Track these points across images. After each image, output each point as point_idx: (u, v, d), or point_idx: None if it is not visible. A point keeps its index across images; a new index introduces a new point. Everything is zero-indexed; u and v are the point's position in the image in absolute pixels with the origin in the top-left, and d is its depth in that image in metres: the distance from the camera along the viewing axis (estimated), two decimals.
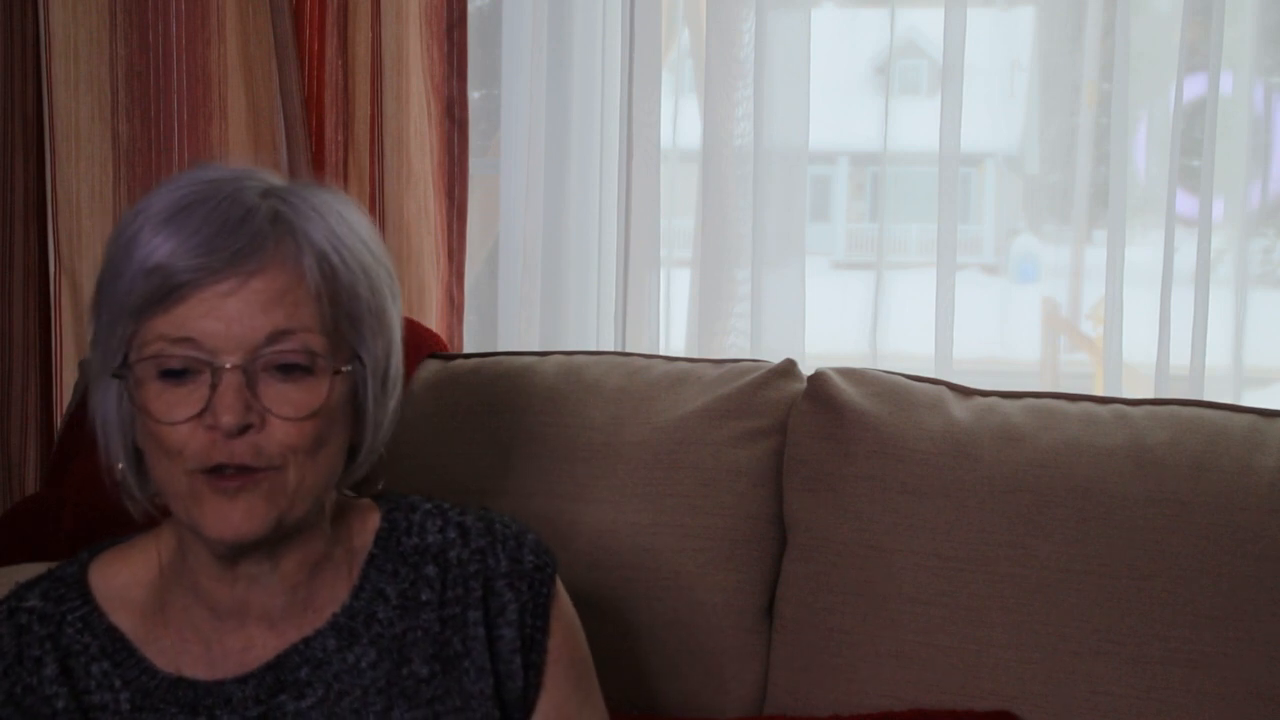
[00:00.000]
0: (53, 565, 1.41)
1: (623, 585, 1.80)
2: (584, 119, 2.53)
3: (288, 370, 1.26)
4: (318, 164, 2.45)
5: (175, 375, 1.25)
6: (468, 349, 2.50)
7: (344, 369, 1.29)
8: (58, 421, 2.53)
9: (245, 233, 1.24)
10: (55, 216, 2.52)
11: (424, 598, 1.37)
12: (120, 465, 1.32)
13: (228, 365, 1.24)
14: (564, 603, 1.42)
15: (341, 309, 1.28)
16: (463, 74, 2.46)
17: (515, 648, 1.37)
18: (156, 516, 1.34)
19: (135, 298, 1.25)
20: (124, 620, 1.35)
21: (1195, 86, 2.25)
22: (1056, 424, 1.78)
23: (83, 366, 2.20)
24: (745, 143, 2.41)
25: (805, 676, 1.78)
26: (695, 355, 2.29)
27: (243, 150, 2.48)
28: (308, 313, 1.26)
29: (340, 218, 1.30)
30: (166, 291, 1.24)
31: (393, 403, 1.36)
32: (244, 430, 1.24)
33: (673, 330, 2.54)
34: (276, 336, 1.25)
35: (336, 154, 2.47)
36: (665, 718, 1.76)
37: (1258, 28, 2.28)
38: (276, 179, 1.32)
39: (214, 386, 1.24)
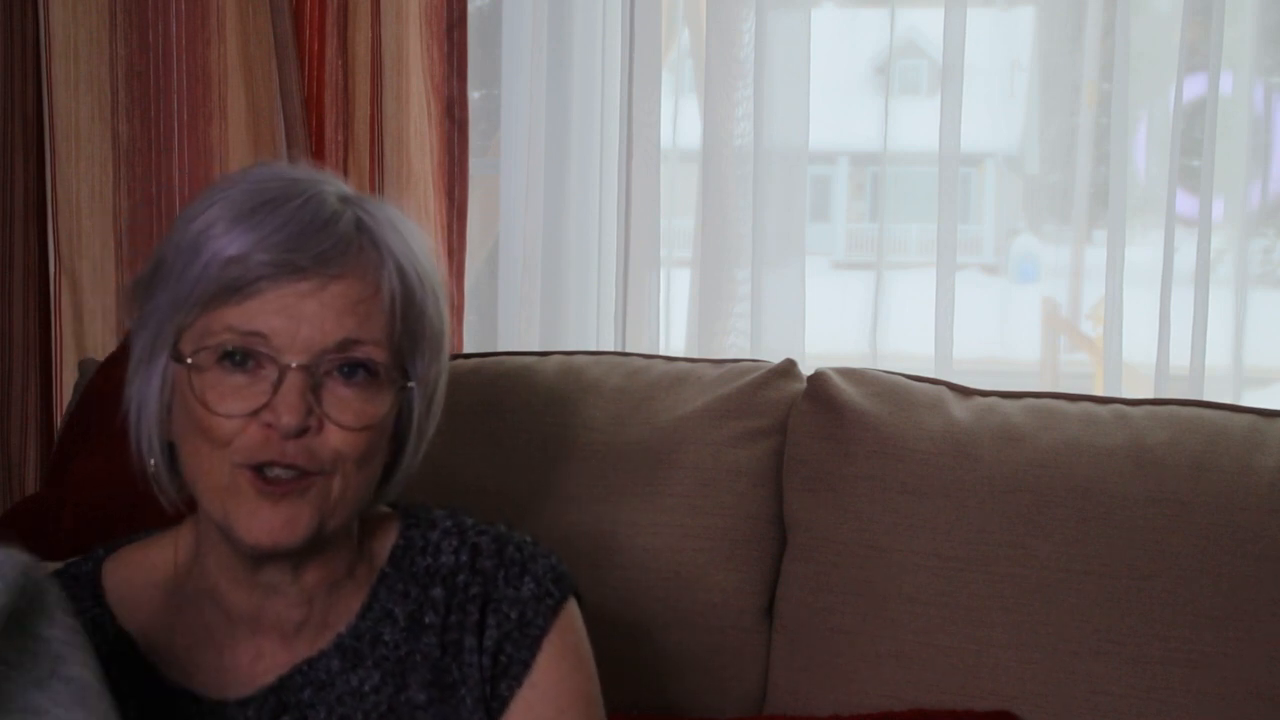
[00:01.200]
0: (57, 564, 1.38)
1: (623, 585, 1.80)
2: (584, 119, 2.53)
3: (351, 375, 1.24)
4: (318, 164, 2.44)
5: (236, 364, 1.22)
6: (468, 349, 2.50)
7: (408, 385, 1.27)
8: (58, 421, 2.53)
9: (329, 235, 1.22)
10: (55, 216, 2.52)
11: (428, 620, 1.33)
12: (153, 461, 1.28)
13: (294, 364, 1.21)
14: (568, 633, 1.35)
15: (409, 326, 1.27)
16: (463, 74, 2.46)
17: (488, 676, 1.32)
18: (185, 510, 1.31)
19: (208, 285, 1.22)
20: (134, 624, 1.32)
21: (1195, 86, 2.25)
22: (1056, 424, 1.78)
23: (83, 366, 2.20)
24: (745, 143, 2.41)
25: (805, 676, 1.78)
26: (695, 355, 2.29)
27: (243, 150, 2.48)
28: (378, 325, 1.25)
29: (414, 234, 1.29)
30: (244, 284, 1.21)
31: (433, 429, 1.33)
32: (302, 433, 1.22)
33: (673, 330, 2.54)
34: (346, 345, 1.23)
35: (336, 154, 2.47)
36: (665, 717, 1.76)
37: (1258, 28, 2.28)
38: (347, 187, 1.30)
39: (277, 384, 1.21)
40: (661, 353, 2.35)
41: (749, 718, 1.78)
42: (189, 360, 1.23)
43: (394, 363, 1.26)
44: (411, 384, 1.28)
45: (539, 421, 1.89)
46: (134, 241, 2.52)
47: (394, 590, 1.34)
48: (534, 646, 1.33)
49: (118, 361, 2.06)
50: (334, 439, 1.23)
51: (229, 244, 1.22)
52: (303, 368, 1.22)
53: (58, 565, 1.39)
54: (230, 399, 1.22)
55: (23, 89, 2.51)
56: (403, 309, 1.26)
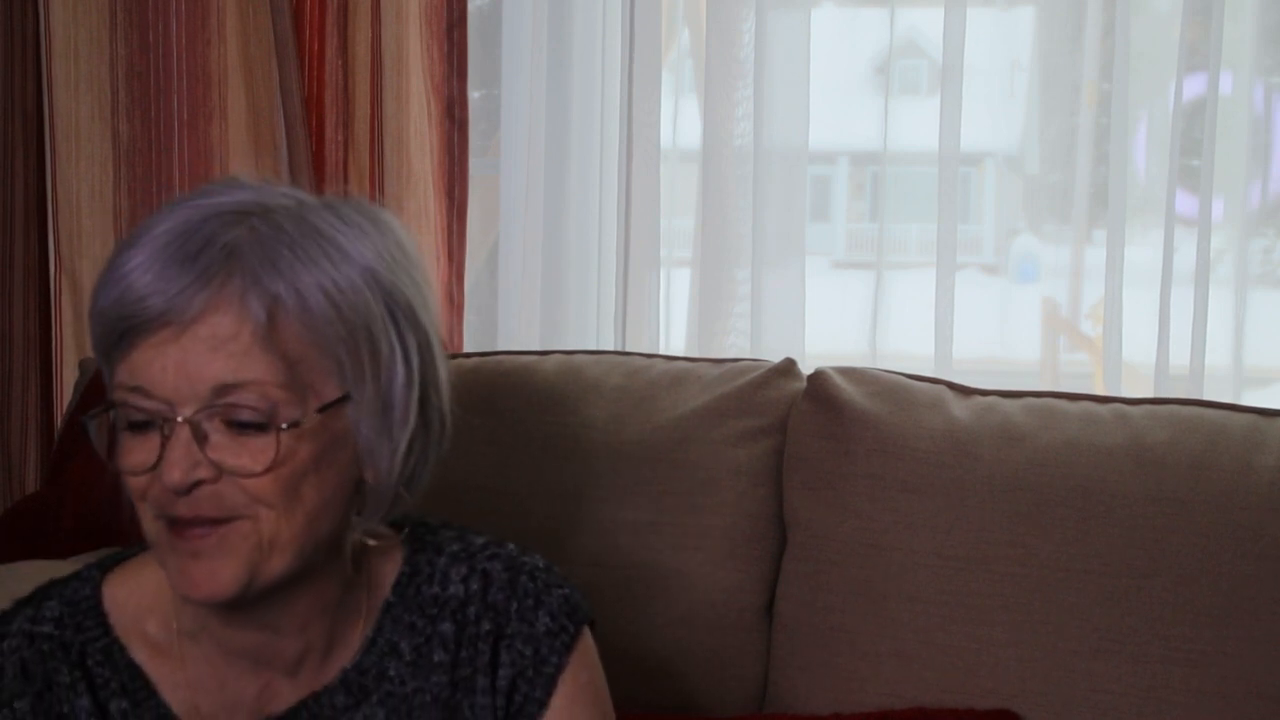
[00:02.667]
0: (55, 575, 1.33)
1: (623, 585, 1.80)
2: (584, 119, 2.53)
3: (243, 429, 1.16)
4: (318, 164, 2.45)
5: (139, 426, 1.17)
6: (468, 349, 2.50)
7: (301, 422, 1.16)
8: (58, 421, 2.53)
9: (191, 270, 1.15)
10: (55, 216, 2.52)
11: (436, 658, 1.29)
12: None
13: (179, 419, 1.15)
14: (584, 668, 1.32)
15: (302, 351, 1.17)
16: (463, 74, 2.46)
17: (500, 717, 1.29)
18: None
19: (98, 340, 1.20)
20: (141, 654, 1.27)
21: (1195, 86, 2.25)
22: (1056, 423, 1.78)
23: (83, 366, 2.20)
24: (745, 143, 2.41)
25: (805, 676, 1.78)
26: (695, 355, 2.29)
27: (243, 150, 2.48)
28: (253, 364, 1.15)
29: (332, 245, 1.18)
30: (118, 336, 1.17)
31: (402, 442, 1.23)
32: (195, 486, 1.16)
33: (673, 330, 2.54)
34: (223, 390, 1.15)
35: (336, 154, 2.47)
36: (665, 717, 1.76)
37: (1258, 28, 2.28)
38: (287, 200, 1.21)
39: (164, 440, 1.16)
40: (661, 352, 2.35)
41: (749, 717, 1.78)
42: (102, 416, 1.20)
43: (287, 398, 1.16)
44: (303, 421, 1.17)
45: (539, 421, 1.89)
46: None
47: (399, 622, 1.30)
48: (549, 685, 1.30)
49: None
50: (241, 484, 1.16)
51: (106, 293, 1.18)
52: (187, 421, 1.15)
53: (41, 569, 1.37)
54: (133, 454, 1.18)
55: (23, 89, 2.51)
56: (283, 338, 1.16)
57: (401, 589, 1.31)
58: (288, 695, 1.28)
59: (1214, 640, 1.66)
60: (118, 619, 1.28)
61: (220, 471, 1.16)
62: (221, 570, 1.17)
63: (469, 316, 2.54)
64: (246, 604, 1.21)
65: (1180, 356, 2.25)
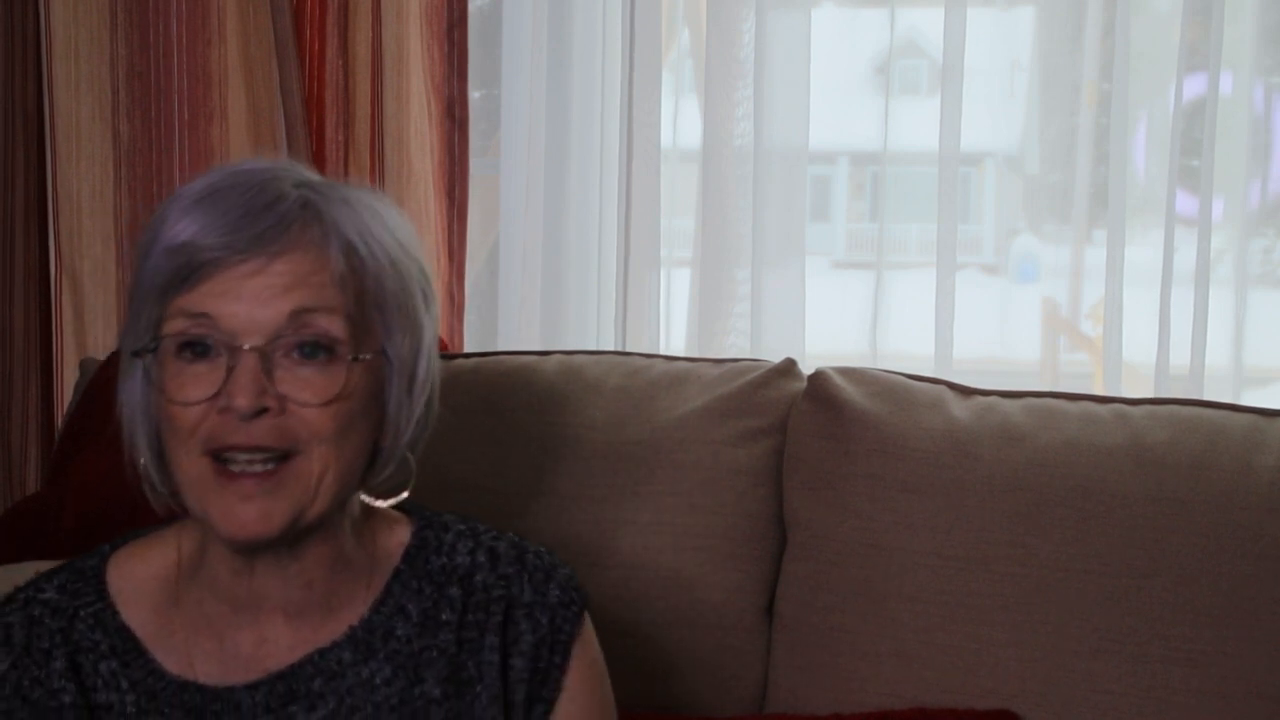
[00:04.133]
0: (57, 562, 1.39)
1: (623, 585, 1.80)
2: (584, 119, 2.53)
3: (308, 354, 1.23)
4: (318, 164, 2.45)
5: (194, 353, 1.23)
6: (468, 348, 2.50)
7: (364, 356, 1.25)
8: (58, 421, 2.53)
9: (271, 216, 1.23)
10: (55, 216, 2.52)
11: (444, 617, 1.34)
12: (143, 460, 1.30)
13: (246, 346, 1.21)
14: (589, 643, 1.38)
15: (367, 299, 1.26)
16: (463, 74, 2.46)
17: (524, 678, 1.34)
18: (177, 510, 1.31)
19: (160, 276, 1.23)
20: (135, 618, 1.32)
21: (1195, 86, 2.25)
22: (1056, 423, 1.78)
23: (83, 366, 2.20)
24: (745, 143, 2.41)
25: (805, 676, 1.78)
26: (695, 355, 2.29)
27: (243, 150, 2.48)
28: (331, 296, 1.24)
29: (373, 212, 1.29)
30: (190, 270, 1.22)
31: (419, 407, 1.31)
32: (260, 414, 1.22)
33: (673, 330, 2.54)
34: (298, 315, 1.23)
35: (336, 154, 2.47)
36: (665, 717, 1.76)
37: (1258, 28, 2.28)
38: (314, 175, 1.31)
39: (230, 368, 1.22)
40: (661, 352, 2.35)
41: (749, 717, 1.78)
42: (151, 353, 1.25)
43: (356, 336, 1.25)
44: (368, 355, 1.26)
45: (539, 421, 1.89)
46: (134, 241, 2.52)
47: (408, 587, 1.35)
48: (565, 653, 1.35)
49: (118, 361, 2.07)
50: (301, 417, 1.23)
51: (178, 233, 1.23)
52: (255, 349, 1.22)
53: (40, 569, 1.39)
54: (189, 387, 1.23)
55: (23, 89, 2.51)
56: (355, 282, 1.25)
57: (411, 558, 1.36)
58: (286, 648, 1.32)
59: (1214, 640, 1.66)
60: (116, 587, 1.33)
61: (283, 403, 1.22)
62: (273, 510, 1.24)
63: (469, 316, 2.54)
64: (274, 546, 1.27)
65: (1180, 356, 2.25)
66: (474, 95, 2.54)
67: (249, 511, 1.23)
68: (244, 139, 2.48)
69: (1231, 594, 1.67)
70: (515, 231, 2.55)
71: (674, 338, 2.54)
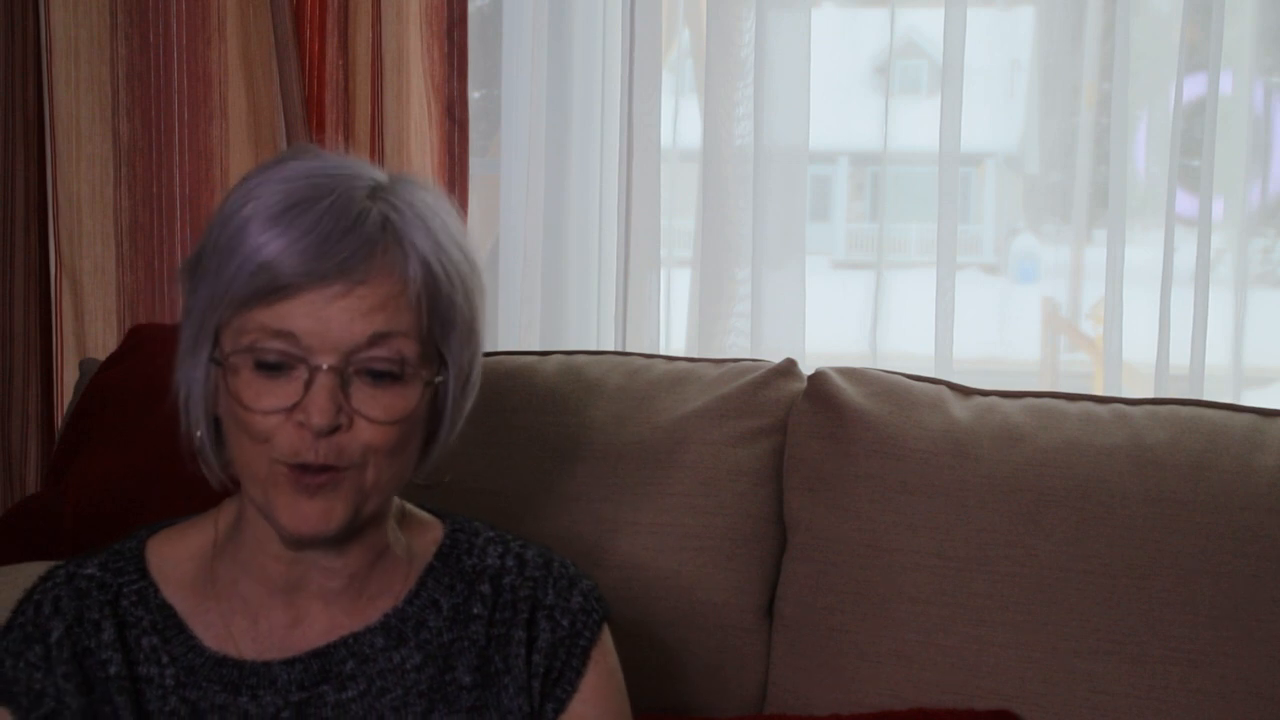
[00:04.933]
0: (55, 563, 1.41)
1: (623, 585, 1.80)
2: (584, 119, 2.53)
3: (379, 376, 1.28)
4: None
5: (270, 368, 1.27)
6: None
7: (435, 380, 1.32)
8: (59, 421, 2.53)
9: (354, 240, 1.26)
10: (56, 216, 2.53)
11: (475, 611, 1.38)
12: (199, 433, 1.33)
13: (324, 366, 1.26)
14: (608, 653, 1.42)
15: (438, 318, 1.31)
16: (463, 74, 2.46)
17: (539, 674, 1.38)
18: (229, 485, 1.36)
19: (240, 289, 1.27)
20: (175, 595, 1.37)
21: (1195, 86, 2.25)
22: (1056, 423, 1.78)
23: (83, 366, 2.20)
24: (745, 142, 2.41)
25: (805, 676, 1.78)
26: (695, 355, 2.29)
27: (243, 150, 2.48)
28: (407, 319, 1.28)
29: (443, 224, 1.32)
30: (272, 290, 1.26)
31: (469, 404, 1.39)
32: (333, 431, 1.26)
33: (673, 330, 2.54)
34: (376, 340, 1.27)
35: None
36: (665, 717, 1.76)
37: (1258, 28, 2.29)
38: (379, 173, 1.33)
39: (308, 385, 1.26)
40: (662, 352, 2.35)
41: (749, 717, 1.78)
42: (227, 360, 1.28)
43: (423, 355, 1.30)
44: (440, 378, 1.32)
45: (539, 421, 1.89)
46: (134, 241, 2.52)
47: (440, 583, 1.40)
48: (584, 657, 1.40)
49: (119, 361, 2.07)
50: (364, 434, 1.28)
51: (260, 248, 1.26)
52: (333, 369, 1.26)
53: (41, 569, 1.41)
54: (266, 397, 1.27)
55: (24, 89, 2.51)
56: (429, 303, 1.30)
57: (444, 556, 1.41)
58: (320, 630, 1.37)
59: (1214, 640, 1.66)
60: (156, 566, 1.38)
61: (353, 418, 1.27)
62: (335, 509, 1.29)
63: None
64: (330, 543, 1.32)
65: (1180, 356, 2.25)
66: (474, 95, 2.54)
67: (313, 509, 1.28)
68: (244, 139, 2.48)
69: (1231, 594, 1.67)
70: (515, 231, 2.55)
71: (674, 338, 2.54)
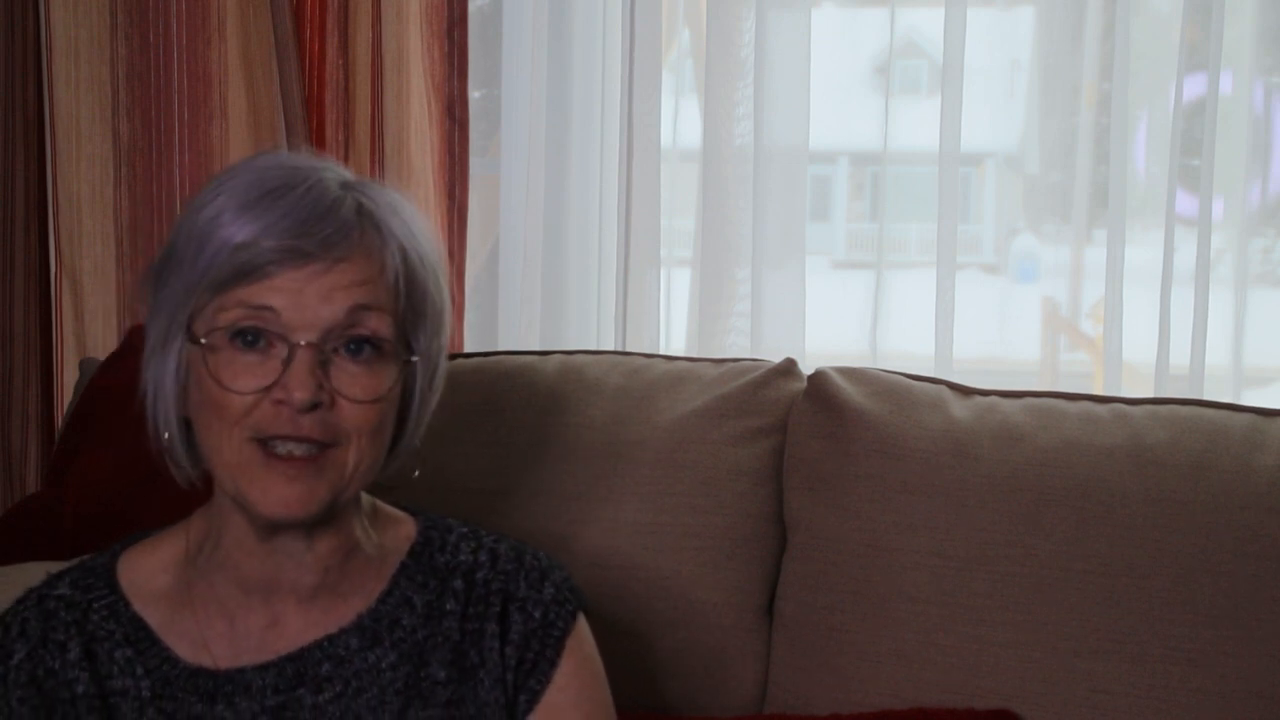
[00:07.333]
0: (63, 564, 1.42)
1: (623, 585, 1.80)
2: (584, 119, 2.53)
3: (358, 350, 1.29)
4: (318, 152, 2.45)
5: (245, 341, 1.27)
6: (468, 348, 2.50)
7: (413, 359, 1.33)
8: (59, 421, 2.53)
9: (334, 220, 1.28)
10: (56, 216, 2.52)
11: (448, 607, 1.39)
12: (167, 434, 1.34)
13: (303, 342, 1.27)
14: (583, 642, 1.42)
15: (412, 305, 1.33)
16: (463, 74, 2.46)
17: (511, 666, 1.38)
18: (199, 485, 1.36)
19: (218, 271, 1.27)
20: (148, 609, 1.37)
21: (1195, 86, 2.25)
22: (1056, 423, 1.78)
23: (83, 366, 2.20)
24: (745, 142, 2.41)
25: (805, 676, 1.78)
26: (695, 355, 2.29)
27: (243, 150, 2.48)
28: (386, 298, 1.30)
29: (413, 216, 1.35)
30: (253, 269, 1.27)
31: (435, 401, 1.39)
32: (313, 407, 1.27)
33: (673, 330, 2.54)
34: (354, 312, 1.28)
35: (337, 154, 2.47)
36: (665, 717, 1.76)
37: (1258, 28, 2.29)
38: (347, 172, 1.36)
39: (287, 362, 1.27)
40: (662, 352, 2.35)
41: (749, 717, 1.78)
42: (203, 340, 1.28)
43: (399, 336, 1.31)
44: (415, 358, 1.33)
45: (539, 421, 1.89)
46: (134, 241, 2.52)
47: (413, 580, 1.40)
48: (557, 647, 1.39)
49: (119, 360, 2.07)
50: (347, 412, 1.29)
51: (237, 231, 1.27)
52: (311, 345, 1.27)
53: (42, 569, 1.42)
54: (243, 376, 1.27)
55: (24, 89, 2.51)
56: (406, 287, 1.32)
57: (416, 553, 1.41)
58: (296, 631, 1.37)
59: (1214, 640, 1.66)
60: (127, 580, 1.38)
61: (334, 397, 1.28)
62: (315, 491, 1.29)
63: (469, 316, 2.54)
64: (305, 528, 1.33)
65: (1180, 356, 2.25)
66: (474, 95, 2.54)
67: (293, 491, 1.28)
68: (244, 139, 2.48)
69: (1231, 594, 1.67)
70: (515, 231, 2.56)
71: (674, 338, 2.54)
